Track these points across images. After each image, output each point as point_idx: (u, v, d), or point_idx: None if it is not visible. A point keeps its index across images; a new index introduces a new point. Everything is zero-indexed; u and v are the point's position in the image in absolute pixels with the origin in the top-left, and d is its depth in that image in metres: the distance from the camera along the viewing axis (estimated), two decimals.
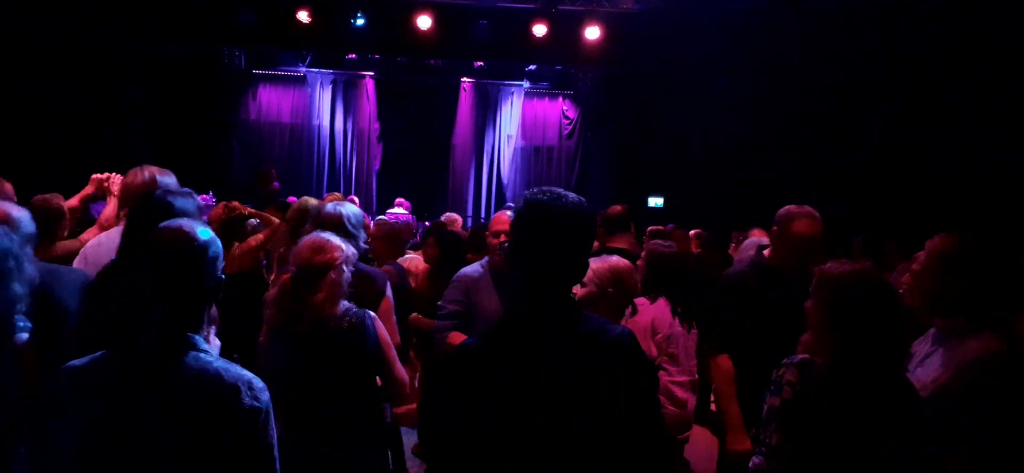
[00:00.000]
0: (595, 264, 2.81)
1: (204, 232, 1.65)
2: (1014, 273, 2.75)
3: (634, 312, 3.12)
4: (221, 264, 1.67)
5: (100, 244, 3.24)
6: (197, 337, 1.61)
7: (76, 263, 3.05)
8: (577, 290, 2.72)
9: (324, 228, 2.91)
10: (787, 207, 3.26)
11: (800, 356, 2.16)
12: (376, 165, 12.55)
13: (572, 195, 1.66)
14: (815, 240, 3.14)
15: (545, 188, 1.67)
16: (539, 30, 10.18)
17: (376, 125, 12.49)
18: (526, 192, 1.68)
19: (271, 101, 12.35)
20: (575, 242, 1.63)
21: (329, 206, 3.21)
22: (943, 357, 2.28)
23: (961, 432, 2.18)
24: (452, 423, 1.61)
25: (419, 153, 12.50)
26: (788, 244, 3.20)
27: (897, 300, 2.14)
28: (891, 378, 2.08)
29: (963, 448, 2.17)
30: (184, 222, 1.67)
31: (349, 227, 3.11)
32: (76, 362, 1.58)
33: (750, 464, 2.14)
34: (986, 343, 2.22)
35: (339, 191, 11.73)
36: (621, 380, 1.56)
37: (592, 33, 10.30)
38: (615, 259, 2.86)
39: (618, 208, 4.50)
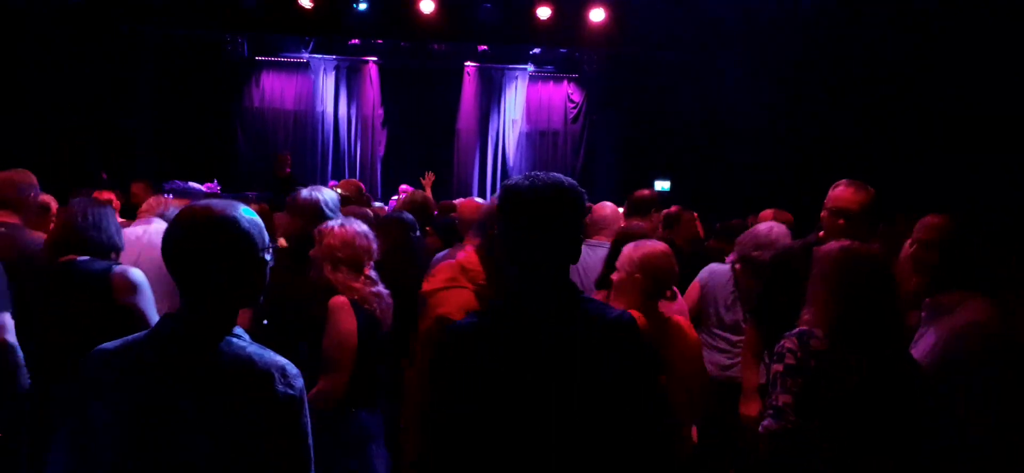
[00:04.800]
0: (627, 250, 2.77)
1: (231, 211, 1.57)
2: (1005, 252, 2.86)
3: (673, 297, 3.05)
4: (257, 245, 1.58)
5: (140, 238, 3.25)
6: (231, 322, 1.56)
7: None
8: (613, 276, 2.78)
9: (304, 215, 2.96)
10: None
11: (799, 328, 2.29)
12: (380, 151, 12.50)
13: (552, 176, 1.63)
14: (850, 212, 2.98)
15: (525, 174, 1.65)
16: (543, 12, 10.09)
17: (380, 111, 12.43)
18: (507, 179, 1.67)
19: (274, 88, 12.29)
20: (555, 223, 1.58)
21: (304, 192, 3.20)
22: (936, 332, 2.36)
23: (960, 398, 2.26)
24: (442, 406, 1.59)
25: (423, 138, 12.43)
26: (825, 212, 3.09)
27: (890, 277, 2.25)
28: (887, 352, 2.19)
29: (963, 411, 2.26)
30: (213, 202, 1.59)
31: (327, 212, 3.12)
32: (108, 345, 1.55)
33: (761, 427, 2.25)
34: (978, 309, 2.32)
35: (344, 178, 11.74)
36: (618, 364, 1.53)
37: (597, 15, 10.20)
38: (650, 244, 2.79)
39: (645, 192, 4.55)
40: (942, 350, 2.33)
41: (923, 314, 2.51)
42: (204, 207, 1.57)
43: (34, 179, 3.39)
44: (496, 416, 1.52)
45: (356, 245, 2.69)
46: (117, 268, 2.76)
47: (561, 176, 1.64)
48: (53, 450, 1.53)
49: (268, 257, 1.61)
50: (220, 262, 1.52)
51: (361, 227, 2.78)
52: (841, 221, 3.00)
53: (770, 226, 3.86)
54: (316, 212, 3.06)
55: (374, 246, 2.78)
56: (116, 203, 4.81)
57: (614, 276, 2.77)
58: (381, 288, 2.74)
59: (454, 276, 2.18)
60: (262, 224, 1.62)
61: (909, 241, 2.62)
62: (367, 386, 2.65)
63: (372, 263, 2.77)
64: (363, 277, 2.69)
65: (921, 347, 2.41)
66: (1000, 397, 2.26)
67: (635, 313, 2.58)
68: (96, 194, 4.64)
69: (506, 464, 1.52)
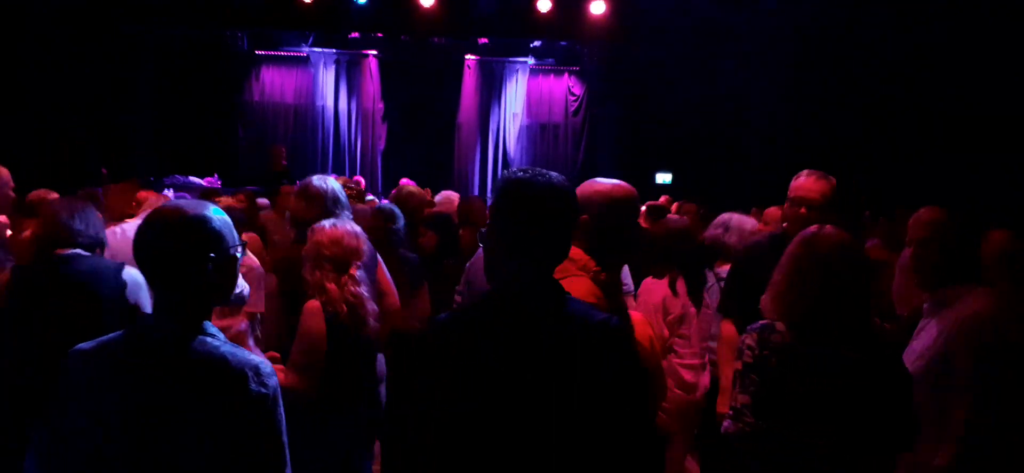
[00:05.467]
0: None
1: (202, 210, 1.59)
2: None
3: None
4: (228, 243, 1.60)
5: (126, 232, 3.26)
6: (206, 322, 1.57)
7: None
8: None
9: (318, 203, 2.97)
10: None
11: (760, 323, 2.20)
12: (381, 145, 12.48)
13: (552, 173, 1.63)
14: (812, 201, 2.98)
15: (523, 167, 1.66)
16: (543, 5, 10.06)
17: (380, 104, 12.40)
18: (505, 172, 1.67)
19: (274, 82, 12.27)
20: (555, 221, 1.59)
21: (316, 181, 3.21)
22: (938, 324, 2.34)
23: (959, 386, 2.22)
24: (424, 402, 1.58)
25: (424, 132, 12.42)
26: (787, 204, 3.09)
27: (861, 263, 2.15)
28: (856, 344, 2.08)
29: (962, 401, 2.22)
30: (182, 202, 1.63)
31: (341, 199, 3.17)
32: (84, 345, 1.56)
33: (722, 429, 2.19)
34: (980, 301, 2.29)
35: (345, 172, 11.72)
36: (603, 367, 1.51)
37: (597, 8, 10.16)
38: None
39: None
40: (945, 343, 2.30)
41: (925, 307, 2.49)
42: (174, 208, 1.59)
43: (7, 174, 3.40)
44: (486, 414, 1.51)
45: (344, 244, 2.72)
46: (128, 268, 2.77)
47: (558, 174, 1.65)
48: (28, 452, 1.54)
49: (239, 254, 1.64)
50: (192, 262, 1.54)
51: (352, 227, 2.80)
52: (802, 210, 2.98)
53: (731, 214, 4.12)
54: (333, 200, 3.10)
55: (363, 246, 2.80)
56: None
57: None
58: (363, 290, 2.73)
59: (563, 267, 2.13)
60: (231, 222, 1.64)
61: (907, 240, 2.60)
62: (336, 390, 2.65)
63: (359, 263, 2.76)
64: (347, 277, 2.69)
65: (923, 340, 2.39)
66: (1001, 393, 2.24)
67: None
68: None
69: (495, 463, 1.51)
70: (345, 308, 2.64)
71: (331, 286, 2.64)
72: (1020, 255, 2.70)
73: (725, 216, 4.22)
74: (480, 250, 3.66)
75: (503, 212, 1.61)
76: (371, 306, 2.73)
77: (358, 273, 2.72)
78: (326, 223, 2.75)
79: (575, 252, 2.05)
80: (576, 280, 1.90)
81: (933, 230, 2.46)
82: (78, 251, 2.76)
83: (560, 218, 1.60)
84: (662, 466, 1.64)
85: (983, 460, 2.23)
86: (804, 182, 3.05)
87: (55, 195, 3.83)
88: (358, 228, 2.83)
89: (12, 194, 3.39)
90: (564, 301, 1.58)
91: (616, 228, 2.06)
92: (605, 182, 2.12)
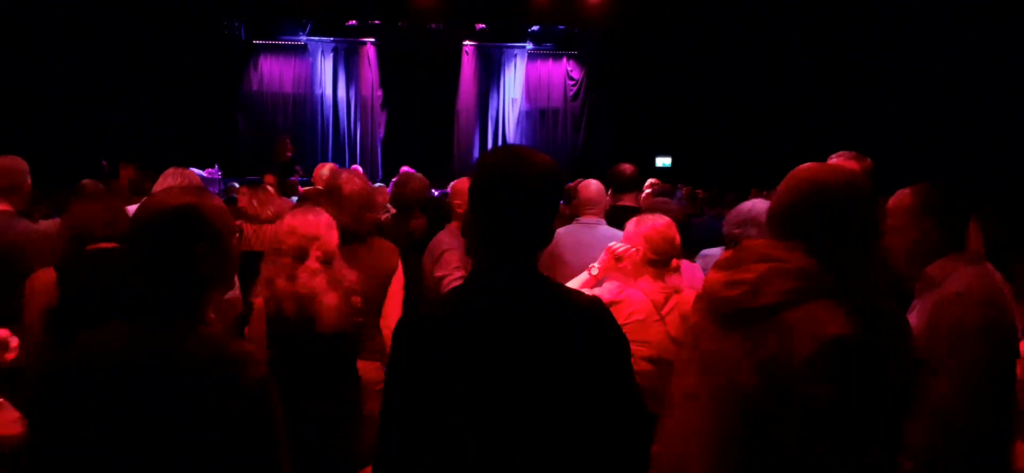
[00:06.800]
0: (630, 224, 2.75)
1: (192, 197, 1.57)
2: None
3: (676, 269, 2.96)
4: (220, 231, 1.58)
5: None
6: (199, 309, 1.57)
7: None
8: (617, 250, 2.71)
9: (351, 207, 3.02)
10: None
11: None
12: (380, 133, 12.48)
13: (536, 153, 1.54)
14: None
15: (504, 146, 1.60)
16: None
17: (379, 92, 12.39)
18: (484, 151, 1.60)
19: (273, 71, 12.27)
20: (537, 203, 1.50)
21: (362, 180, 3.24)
22: (922, 307, 2.29)
23: (936, 366, 2.17)
24: (401, 396, 1.51)
25: (423, 119, 12.40)
26: None
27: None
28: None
29: (939, 382, 2.18)
30: (174, 189, 1.61)
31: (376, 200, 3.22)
32: (84, 334, 1.56)
33: None
34: (964, 280, 2.24)
35: (344, 160, 11.74)
36: (590, 352, 1.47)
37: None
38: (652, 218, 2.75)
39: (627, 167, 4.50)
40: (927, 323, 2.28)
41: (916, 287, 2.47)
42: (164, 195, 1.58)
43: (26, 166, 3.38)
44: (471, 407, 1.46)
45: (300, 233, 2.58)
46: None
47: (543, 155, 1.55)
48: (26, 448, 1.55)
49: (233, 241, 1.63)
50: (181, 249, 1.53)
51: (316, 216, 2.66)
52: None
53: (753, 203, 3.77)
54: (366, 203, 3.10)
55: (324, 235, 2.62)
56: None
57: (619, 250, 2.77)
58: (322, 281, 2.55)
59: (801, 286, 1.46)
60: (227, 210, 1.64)
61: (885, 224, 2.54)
62: (285, 389, 2.47)
63: (322, 253, 2.59)
64: (304, 268, 2.54)
65: (912, 321, 2.37)
66: (979, 373, 2.20)
67: (642, 289, 2.62)
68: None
69: (481, 459, 1.47)
70: (290, 305, 2.49)
71: (280, 282, 2.51)
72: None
73: (743, 210, 3.69)
74: (445, 231, 3.60)
75: (480, 193, 1.52)
76: (328, 299, 2.54)
77: (319, 263, 2.56)
78: (295, 213, 2.63)
79: (807, 263, 1.49)
80: (816, 307, 1.42)
81: (906, 215, 2.42)
82: (112, 246, 2.75)
83: (538, 201, 1.49)
84: (651, 444, 1.56)
85: (960, 440, 2.21)
86: (834, 157, 2.99)
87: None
88: (327, 219, 2.66)
89: (29, 182, 3.37)
90: (543, 288, 1.52)
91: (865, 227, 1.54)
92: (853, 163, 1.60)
